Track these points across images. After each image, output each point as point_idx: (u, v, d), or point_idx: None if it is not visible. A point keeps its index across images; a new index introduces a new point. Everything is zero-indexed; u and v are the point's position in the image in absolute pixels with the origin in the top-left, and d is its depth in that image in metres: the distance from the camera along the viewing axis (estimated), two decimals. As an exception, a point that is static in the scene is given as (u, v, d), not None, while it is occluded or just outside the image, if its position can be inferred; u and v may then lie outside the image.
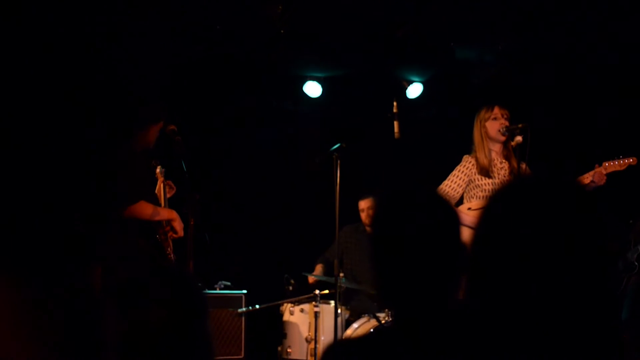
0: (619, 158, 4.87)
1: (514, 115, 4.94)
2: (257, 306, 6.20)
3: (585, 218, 1.35)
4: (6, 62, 5.05)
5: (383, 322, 5.33)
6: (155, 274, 1.77)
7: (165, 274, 1.78)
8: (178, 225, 4.80)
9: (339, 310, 5.43)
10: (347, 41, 6.52)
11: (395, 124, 5.97)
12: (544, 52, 6.55)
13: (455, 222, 1.75)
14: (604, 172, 4.81)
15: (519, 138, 4.75)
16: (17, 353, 1.32)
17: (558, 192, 1.39)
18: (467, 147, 5.04)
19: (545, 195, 1.38)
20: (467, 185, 4.91)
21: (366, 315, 5.68)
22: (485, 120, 4.92)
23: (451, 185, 4.88)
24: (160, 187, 5.13)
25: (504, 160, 4.92)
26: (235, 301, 6.21)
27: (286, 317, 6.04)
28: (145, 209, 4.65)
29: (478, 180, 4.85)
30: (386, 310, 5.55)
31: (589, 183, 4.75)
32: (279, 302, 6.16)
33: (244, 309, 6.19)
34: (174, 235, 4.82)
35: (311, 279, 6.49)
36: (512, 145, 4.85)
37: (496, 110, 4.91)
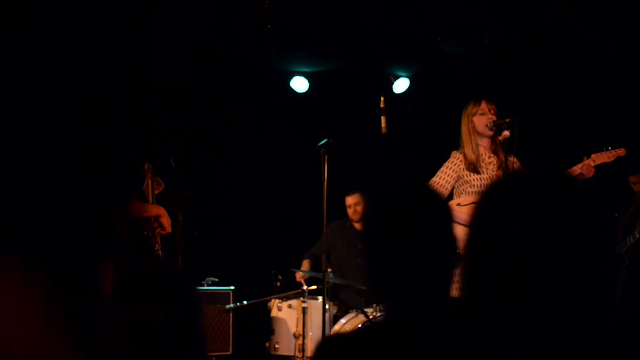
0: (607, 150, 4.81)
1: (501, 109, 4.94)
2: (245, 302, 6.20)
3: (579, 212, 1.35)
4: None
5: (371, 317, 5.34)
6: (150, 271, 1.76)
7: (159, 272, 1.77)
8: (166, 221, 4.79)
9: (327, 306, 5.43)
10: (334, 36, 6.51)
11: (383, 119, 5.97)
12: (530, 46, 6.57)
13: (447, 216, 1.76)
14: (592, 165, 4.77)
15: (506, 132, 4.74)
16: (32, 345, 1.32)
17: (550, 186, 1.38)
18: (454, 142, 5.04)
19: (537, 190, 1.38)
20: (456, 181, 4.90)
21: (354, 310, 5.68)
22: (473, 115, 4.91)
23: (440, 182, 4.88)
24: (148, 183, 5.12)
25: (492, 155, 4.92)
26: (222, 297, 6.20)
27: (274, 313, 6.04)
28: (134, 206, 4.64)
29: (466, 176, 4.85)
30: (374, 305, 5.56)
31: (577, 176, 4.72)
32: (267, 298, 6.15)
33: (231, 305, 6.19)
34: (162, 232, 4.80)
35: (299, 275, 6.49)
36: (499, 140, 4.85)
37: (483, 105, 4.90)
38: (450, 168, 4.91)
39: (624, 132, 5.69)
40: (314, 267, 6.63)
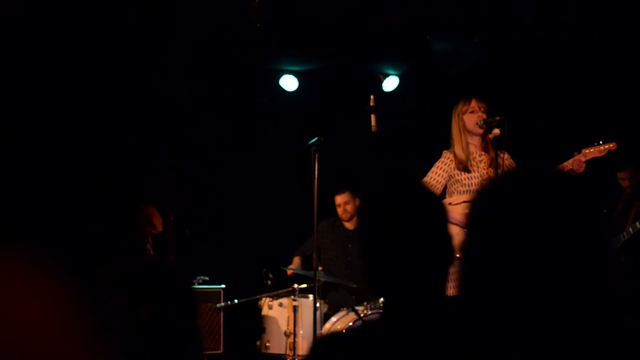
0: (598, 144, 4.78)
1: (491, 107, 4.95)
2: (236, 301, 6.19)
3: (576, 209, 1.35)
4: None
5: (362, 315, 5.35)
6: (146, 270, 1.76)
7: (155, 271, 1.77)
8: (157, 220, 4.79)
9: (318, 304, 5.43)
10: (323, 35, 6.51)
11: (372, 117, 5.98)
12: (520, 44, 6.59)
13: (443, 214, 1.77)
14: (583, 160, 4.75)
15: (496, 131, 4.74)
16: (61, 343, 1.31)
17: (546, 183, 1.38)
18: (444, 140, 5.05)
19: (534, 187, 1.38)
20: (448, 180, 4.90)
21: (344, 308, 5.69)
22: (463, 114, 4.91)
23: (430, 182, 4.88)
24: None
25: (482, 153, 4.92)
26: (213, 296, 6.19)
27: (265, 311, 6.04)
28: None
29: (457, 176, 4.85)
30: (364, 303, 5.57)
31: (567, 172, 4.68)
32: (258, 296, 6.15)
33: (222, 304, 6.18)
34: (153, 231, 4.80)
35: (289, 271, 6.49)
36: (489, 138, 4.85)
37: (473, 103, 4.91)
38: (441, 168, 4.90)
39: (612, 128, 5.70)
40: (304, 265, 6.64)
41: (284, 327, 5.87)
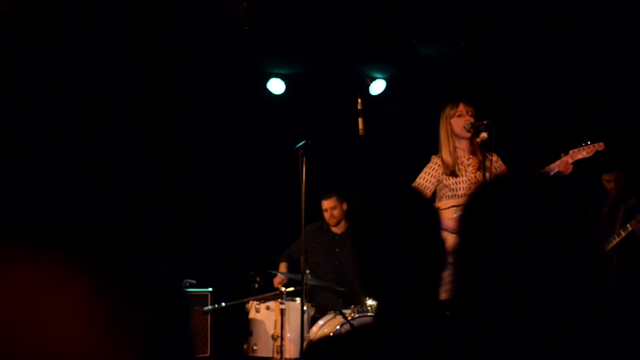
0: (585, 145, 4.73)
1: (478, 111, 4.96)
2: (223, 304, 6.19)
3: (567, 212, 1.35)
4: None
5: (349, 318, 5.34)
6: (139, 273, 1.76)
7: (148, 273, 1.77)
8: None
9: (305, 307, 5.43)
10: (310, 38, 6.52)
11: (360, 120, 6.00)
12: (507, 47, 6.61)
13: (435, 218, 1.77)
14: (570, 161, 4.70)
15: (484, 134, 4.74)
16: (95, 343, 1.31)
17: (537, 187, 1.39)
18: (432, 144, 5.05)
19: (525, 191, 1.38)
20: (437, 185, 4.90)
21: (332, 312, 5.69)
22: (451, 118, 4.91)
23: (419, 188, 4.89)
24: None
25: (471, 157, 4.92)
26: (200, 299, 6.18)
27: (252, 314, 6.03)
28: None
29: (445, 180, 4.85)
30: (352, 306, 5.57)
31: (555, 173, 4.64)
32: (245, 299, 6.14)
33: (209, 307, 6.17)
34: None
35: (276, 281, 6.47)
36: (477, 142, 4.85)
37: (461, 107, 4.91)
38: (429, 173, 4.90)
39: (597, 130, 5.72)
40: (290, 268, 6.64)
41: (271, 330, 5.87)
